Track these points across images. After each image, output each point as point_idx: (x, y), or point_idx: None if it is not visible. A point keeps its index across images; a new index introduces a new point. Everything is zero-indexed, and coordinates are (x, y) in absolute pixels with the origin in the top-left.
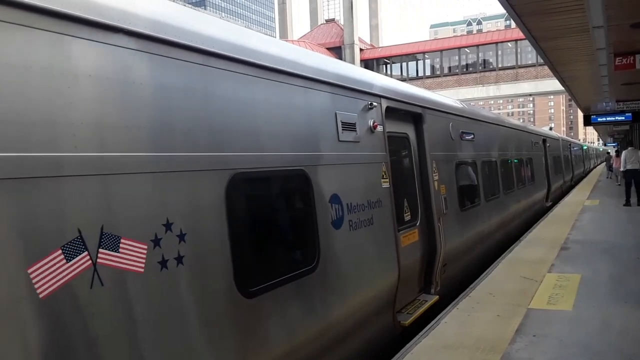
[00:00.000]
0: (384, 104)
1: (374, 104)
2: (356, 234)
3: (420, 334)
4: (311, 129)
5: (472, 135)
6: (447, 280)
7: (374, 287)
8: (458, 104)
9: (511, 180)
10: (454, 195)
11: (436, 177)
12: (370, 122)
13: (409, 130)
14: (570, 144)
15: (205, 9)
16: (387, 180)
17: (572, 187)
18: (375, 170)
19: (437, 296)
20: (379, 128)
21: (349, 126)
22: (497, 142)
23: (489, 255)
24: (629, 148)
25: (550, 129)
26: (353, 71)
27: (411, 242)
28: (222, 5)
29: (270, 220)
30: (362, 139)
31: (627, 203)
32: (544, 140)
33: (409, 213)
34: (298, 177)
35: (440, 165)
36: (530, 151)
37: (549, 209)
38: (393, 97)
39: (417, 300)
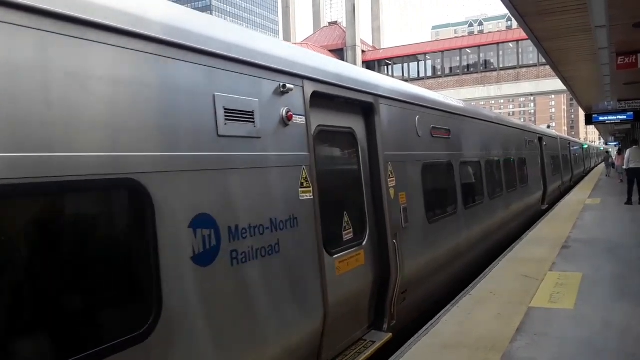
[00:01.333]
0: (309, 87)
1: (289, 86)
2: (245, 269)
3: (420, 332)
4: (156, 117)
5: (448, 132)
6: (410, 309)
7: (278, 343)
8: (429, 94)
9: (499, 183)
10: (419, 204)
11: (392, 183)
12: (283, 112)
13: (355, 124)
14: (569, 143)
15: (211, 14)
16: (310, 189)
17: (571, 187)
18: (288, 178)
19: (390, 334)
20: (298, 120)
21: (241, 115)
22: (481, 140)
23: (471, 272)
24: (633, 146)
25: (548, 127)
26: (253, 40)
27: (353, 267)
28: (228, 10)
29: (60, 263)
30: (266, 134)
31: (629, 201)
32: (540, 139)
33: (350, 230)
34: (122, 190)
35: (399, 168)
36: (524, 150)
37: (545, 212)
38: (324, 79)
39: (362, 342)
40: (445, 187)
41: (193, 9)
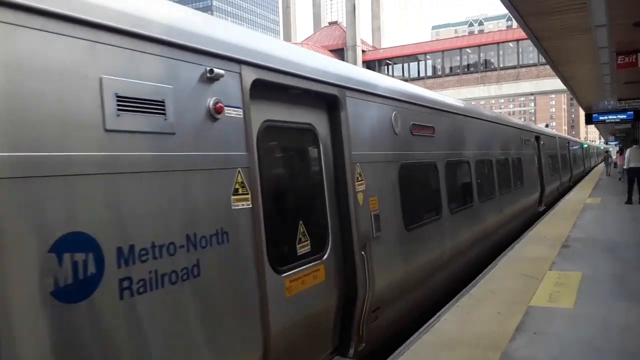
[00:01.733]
0: (249, 74)
1: (219, 71)
2: (144, 302)
3: (421, 330)
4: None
5: (431, 130)
6: (384, 329)
7: None
8: (409, 87)
9: (492, 185)
10: (395, 210)
11: (361, 187)
12: (210, 103)
13: (316, 120)
14: (568, 142)
15: (212, 14)
16: (248, 197)
17: (570, 188)
18: (215, 183)
19: None
20: (232, 113)
21: (144, 105)
22: (472, 139)
23: (459, 281)
24: (634, 146)
25: (547, 125)
26: (170, 12)
27: (310, 285)
28: (229, 10)
29: None
30: (184, 130)
31: (629, 201)
32: (537, 138)
33: (306, 243)
34: None
35: (370, 169)
36: (520, 150)
37: (542, 214)
38: (270, 65)
39: None
40: (428, 191)
41: (194, 9)
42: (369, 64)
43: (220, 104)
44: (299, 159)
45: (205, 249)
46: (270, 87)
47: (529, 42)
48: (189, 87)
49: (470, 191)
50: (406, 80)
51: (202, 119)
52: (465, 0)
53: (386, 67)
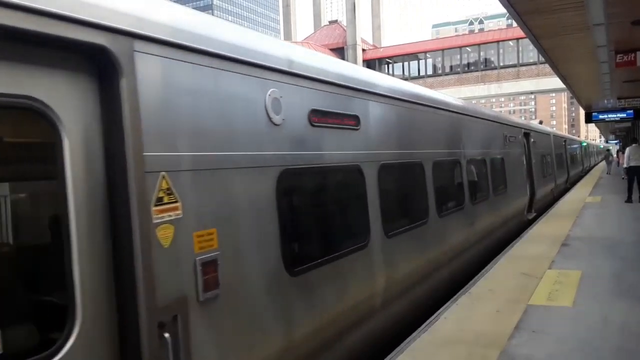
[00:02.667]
0: None
1: None
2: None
3: (420, 329)
4: None
5: (354, 120)
6: None
7: None
8: (308, 54)
9: (459, 193)
10: (263, 244)
11: (172, 215)
12: None
13: (55, 92)
14: (565, 140)
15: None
16: None
17: (567, 190)
18: None
19: None
20: None
21: None
22: (428, 135)
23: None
24: (633, 145)
25: (540, 122)
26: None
27: None
28: (229, 9)
29: None
30: None
31: (629, 200)
32: (526, 135)
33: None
34: None
35: (199, 182)
36: (502, 148)
37: (531, 222)
38: None
39: None
40: (341, 209)
41: (194, 8)
42: (369, 63)
43: None
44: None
45: None
46: None
47: (528, 40)
48: None
49: (422, 204)
50: (406, 79)
51: None
52: (465, 0)
53: (386, 65)
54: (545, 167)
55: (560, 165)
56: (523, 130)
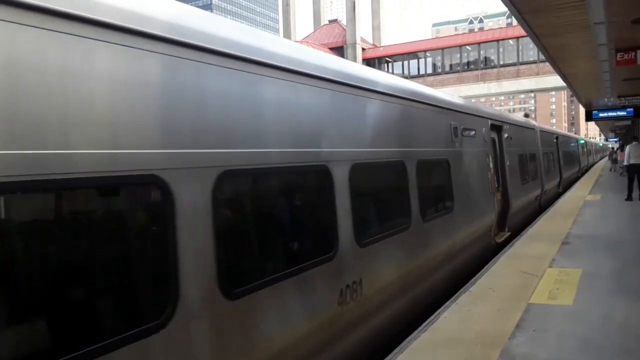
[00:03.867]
0: None
1: None
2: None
3: (420, 328)
4: None
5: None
6: None
7: None
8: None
9: (386, 212)
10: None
11: None
12: None
13: None
14: (557, 137)
15: (212, 12)
16: None
17: (560, 194)
18: None
19: None
20: None
21: None
22: (328, 126)
23: None
24: (634, 142)
25: (526, 115)
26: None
27: None
28: (229, 8)
29: None
30: None
31: (629, 198)
32: (496, 128)
33: None
34: None
35: None
36: (449, 146)
37: (506, 244)
38: None
39: None
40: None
41: (194, 7)
42: (369, 62)
43: None
44: None
45: None
46: None
47: (528, 39)
48: None
49: (293, 242)
50: (406, 78)
51: None
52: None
53: (386, 64)
54: (527, 170)
55: (549, 167)
56: (490, 122)
